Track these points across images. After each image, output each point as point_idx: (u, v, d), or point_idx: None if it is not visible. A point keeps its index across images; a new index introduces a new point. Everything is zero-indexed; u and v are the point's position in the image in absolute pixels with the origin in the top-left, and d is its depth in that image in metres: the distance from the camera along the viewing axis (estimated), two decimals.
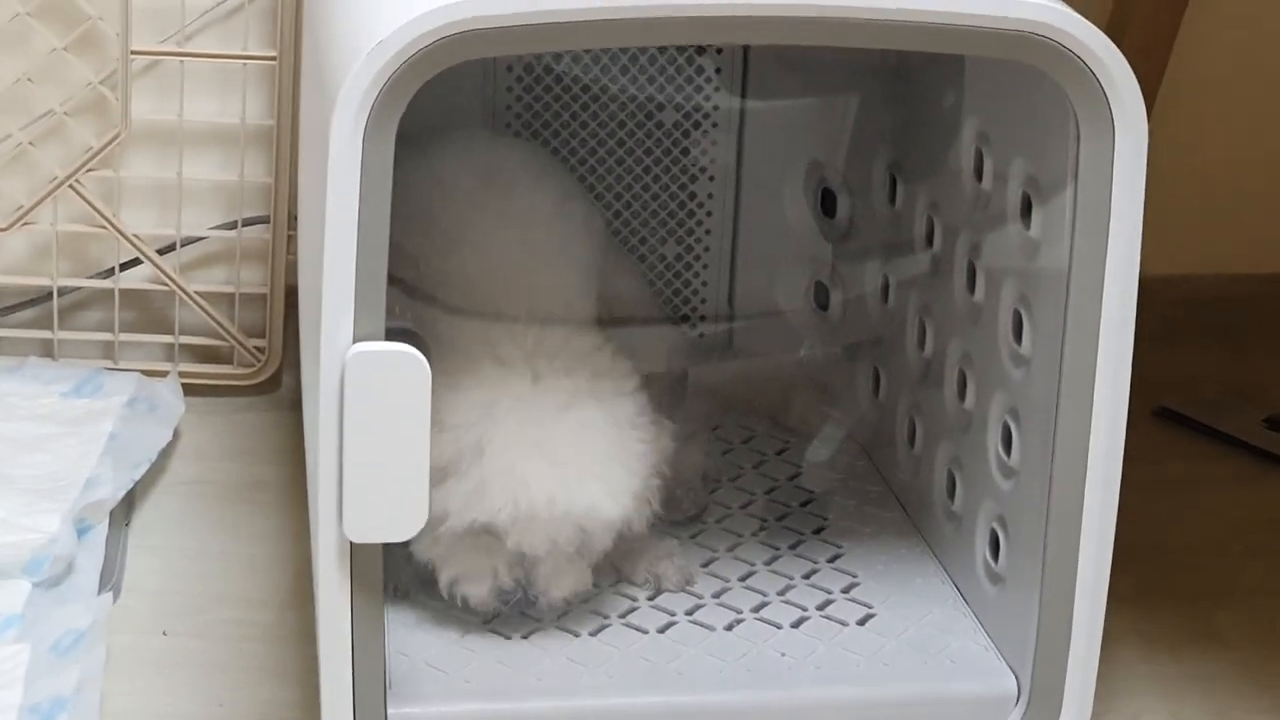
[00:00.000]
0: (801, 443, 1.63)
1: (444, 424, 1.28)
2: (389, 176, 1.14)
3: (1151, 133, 1.21)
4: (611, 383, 1.35)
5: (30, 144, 1.77)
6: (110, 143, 1.75)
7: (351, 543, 1.19)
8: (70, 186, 1.76)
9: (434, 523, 1.25)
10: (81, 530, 1.51)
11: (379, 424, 1.15)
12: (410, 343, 1.16)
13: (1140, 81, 1.19)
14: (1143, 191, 1.21)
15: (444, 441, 1.28)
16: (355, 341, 1.15)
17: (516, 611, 1.35)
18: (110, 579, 1.50)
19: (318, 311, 1.17)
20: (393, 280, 1.18)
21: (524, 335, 1.34)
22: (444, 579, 1.33)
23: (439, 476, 1.27)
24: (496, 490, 1.28)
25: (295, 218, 1.77)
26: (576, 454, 1.30)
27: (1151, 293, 1.31)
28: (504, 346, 1.34)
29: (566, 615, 1.37)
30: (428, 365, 1.15)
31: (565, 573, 1.34)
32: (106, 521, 1.54)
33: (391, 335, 1.16)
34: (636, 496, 1.33)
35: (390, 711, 1.25)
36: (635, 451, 1.33)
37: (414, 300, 1.36)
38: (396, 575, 1.37)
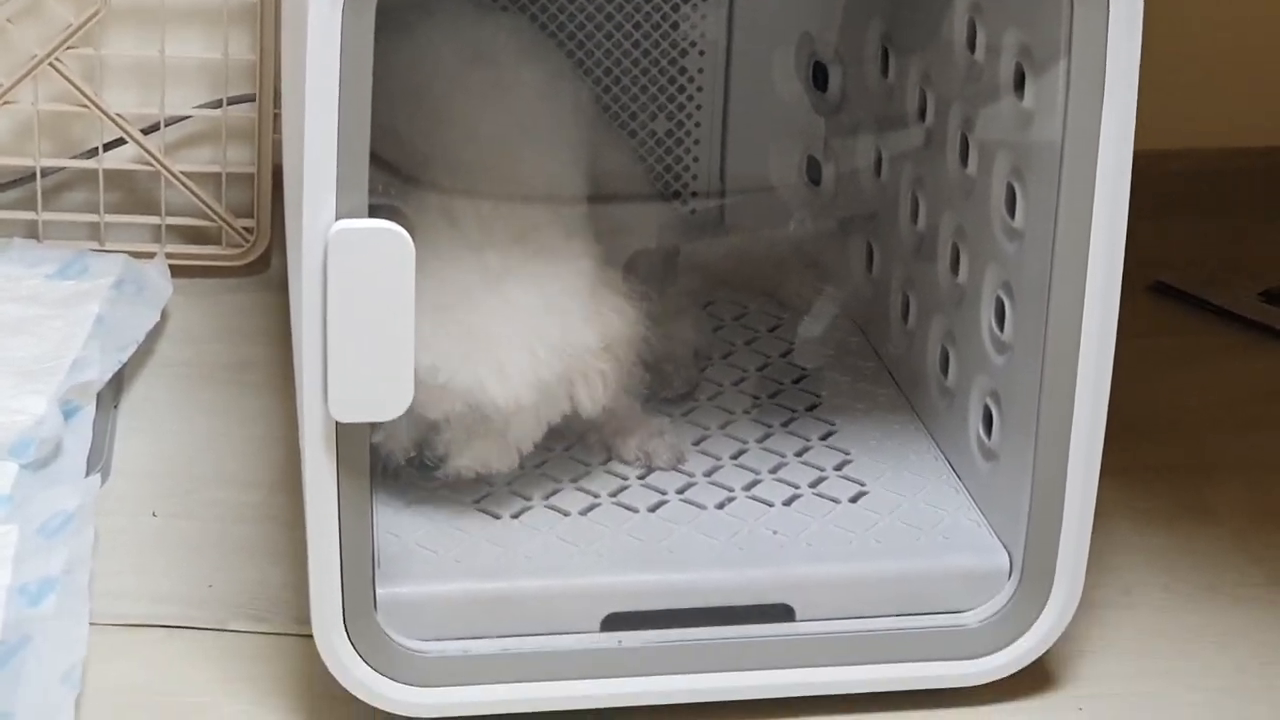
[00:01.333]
0: (794, 319, 1.62)
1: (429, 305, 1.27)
2: (369, 51, 1.13)
3: (1146, 5, 1.19)
4: (559, 267, 1.32)
5: (9, 21, 1.75)
6: (90, 19, 1.73)
7: (337, 422, 1.18)
8: (50, 64, 1.74)
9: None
10: (68, 412, 1.51)
11: (363, 302, 1.15)
12: (394, 220, 1.15)
13: None
14: (1137, 61, 1.20)
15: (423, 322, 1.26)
16: (338, 219, 1.14)
17: (418, 471, 1.33)
18: (98, 461, 1.50)
19: (300, 190, 1.16)
20: (378, 160, 1.17)
21: (500, 208, 1.33)
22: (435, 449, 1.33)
23: (431, 368, 1.27)
24: (423, 327, 1.24)
25: (281, 96, 1.75)
26: (493, 335, 1.28)
27: (1147, 167, 1.30)
28: (470, 215, 1.32)
29: (556, 494, 1.37)
30: (411, 242, 1.14)
31: (468, 445, 1.32)
32: (94, 403, 1.53)
33: (375, 212, 1.15)
34: (540, 386, 1.31)
35: (379, 591, 1.24)
36: (552, 341, 1.31)
37: (400, 179, 1.34)
38: (387, 455, 1.37)
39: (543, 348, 1.30)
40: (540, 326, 1.30)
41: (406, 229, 1.15)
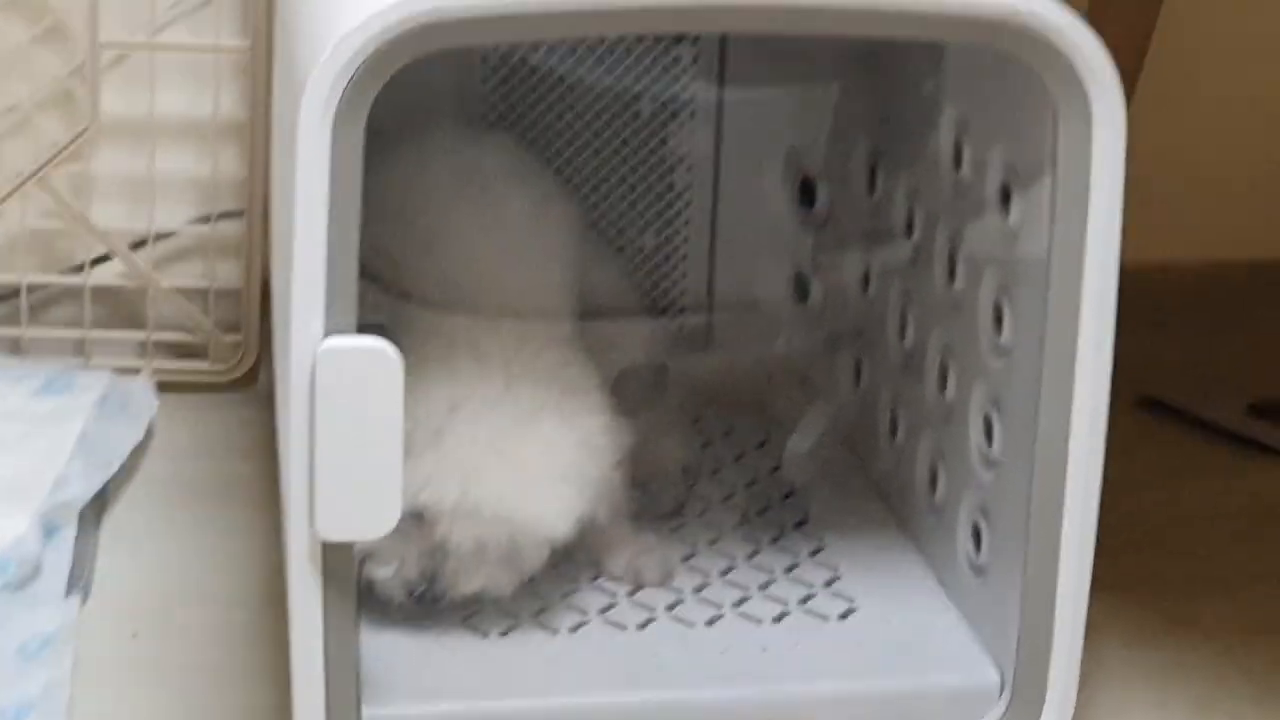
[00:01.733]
0: (782, 435, 1.61)
1: (408, 410, 1.26)
2: (359, 168, 1.13)
3: (1132, 118, 1.20)
4: (580, 400, 1.33)
5: None
6: (79, 137, 1.74)
7: (323, 541, 1.17)
8: (39, 181, 1.74)
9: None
10: (50, 531, 1.50)
11: (351, 420, 1.14)
12: (383, 338, 1.14)
13: (1120, 68, 1.18)
14: (1122, 179, 1.20)
15: (404, 427, 1.26)
16: (326, 336, 1.14)
17: (417, 603, 1.32)
18: (79, 580, 1.49)
19: (288, 306, 1.16)
20: (369, 278, 1.17)
21: (506, 335, 1.33)
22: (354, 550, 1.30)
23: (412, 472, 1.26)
24: (450, 476, 1.27)
25: (270, 213, 1.76)
26: (535, 465, 1.29)
27: (1133, 280, 1.30)
28: (484, 342, 1.32)
29: (544, 611, 1.36)
30: (400, 360, 1.14)
31: (479, 572, 1.32)
32: (75, 522, 1.52)
33: (364, 330, 1.15)
34: (580, 520, 1.32)
35: (365, 712, 1.23)
36: (593, 473, 1.32)
37: (391, 298, 1.34)
38: (389, 593, 1.35)
39: (580, 480, 1.31)
40: (579, 464, 1.31)
41: (396, 346, 1.14)
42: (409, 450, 1.26)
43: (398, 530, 1.27)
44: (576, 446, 1.31)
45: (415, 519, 1.29)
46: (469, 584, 1.32)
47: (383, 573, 1.31)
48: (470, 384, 1.30)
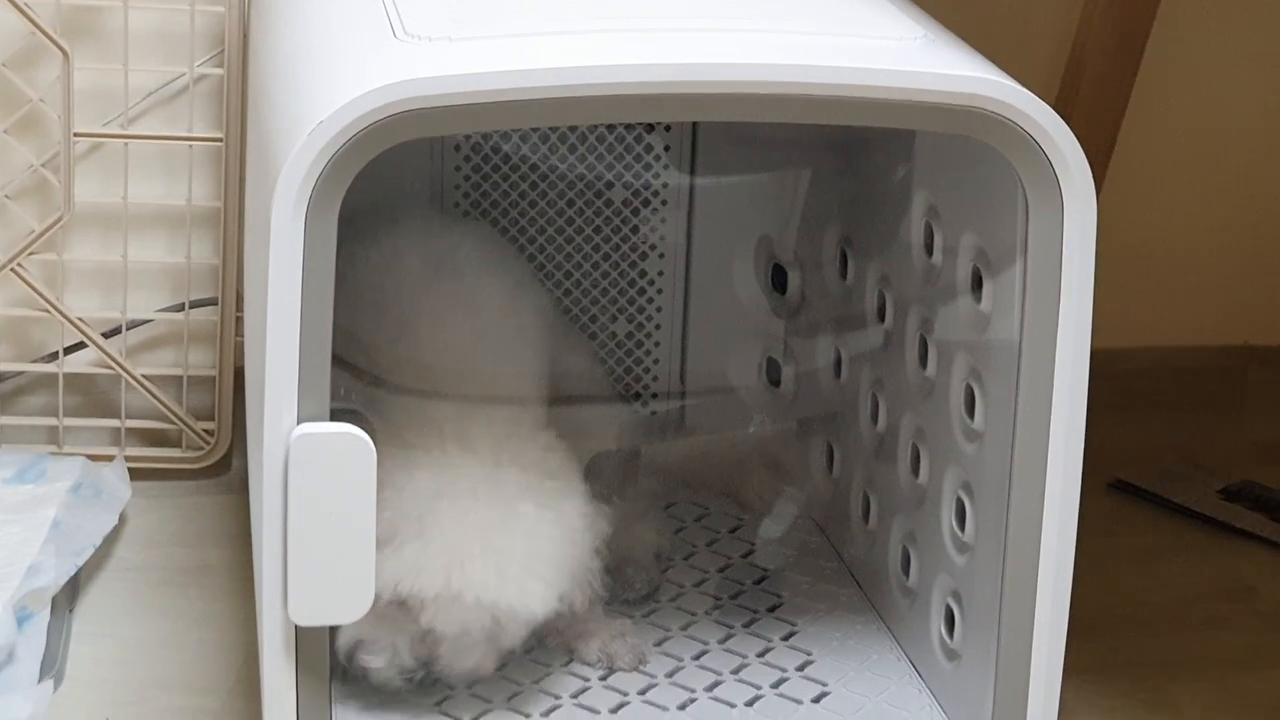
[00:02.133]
0: (755, 519, 1.62)
1: (389, 498, 1.27)
2: (332, 257, 1.14)
3: (1102, 206, 1.21)
4: (560, 484, 1.34)
5: None
6: (53, 226, 1.74)
7: (297, 626, 1.17)
8: (12, 270, 1.75)
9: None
10: (22, 618, 1.49)
11: (324, 506, 1.14)
12: (355, 424, 1.15)
13: (1089, 155, 1.20)
14: (1093, 264, 1.21)
15: (384, 515, 1.25)
16: (299, 423, 1.14)
17: (419, 687, 1.33)
18: (52, 667, 1.48)
19: (262, 393, 1.16)
20: (343, 366, 1.17)
21: (492, 421, 1.34)
22: (344, 640, 1.30)
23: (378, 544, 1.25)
24: (434, 566, 1.27)
25: (243, 299, 1.76)
26: (516, 554, 1.29)
27: (1105, 364, 1.31)
28: (470, 429, 1.32)
29: (517, 696, 1.36)
30: (373, 446, 1.14)
31: (470, 654, 1.32)
32: (48, 609, 1.52)
33: (336, 416, 1.15)
34: (563, 599, 1.33)
35: None
36: (572, 558, 1.33)
37: (364, 385, 1.35)
38: (384, 681, 1.35)
39: (558, 567, 1.32)
40: (561, 548, 1.32)
41: (368, 432, 1.15)
42: (391, 538, 1.26)
43: (385, 619, 1.28)
44: (557, 534, 1.32)
45: (400, 607, 1.28)
46: (463, 663, 1.32)
47: (376, 662, 1.31)
48: (456, 470, 1.30)
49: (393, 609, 1.28)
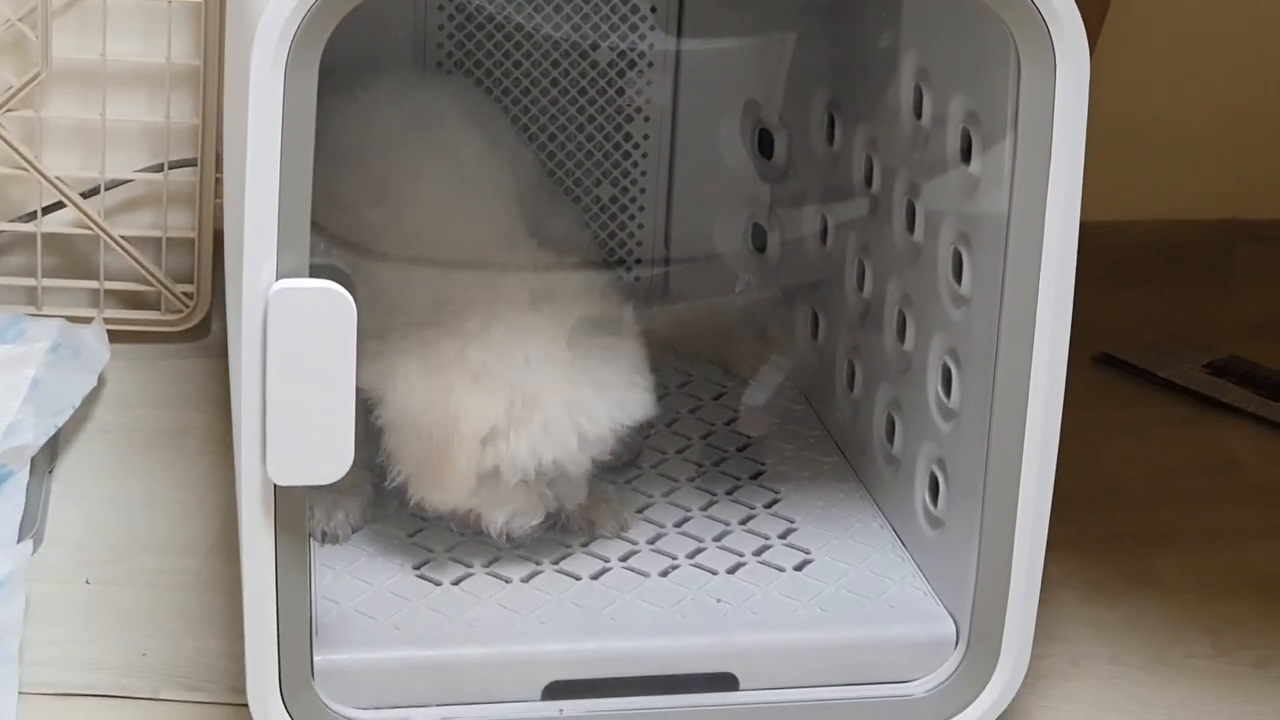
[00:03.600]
0: (739, 387, 1.61)
1: (489, 388, 1.28)
2: (312, 110, 1.12)
3: (1093, 77, 1.19)
4: (605, 301, 1.36)
5: None
6: (30, 82, 1.72)
7: (276, 485, 1.16)
8: None
9: (492, 477, 1.29)
10: (1, 477, 1.49)
11: (303, 363, 1.13)
12: (335, 280, 1.13)
13: (1083, 18, 1.17)
14: (1084, 126, 1.20)
15: (495, 408, 1.28)
16: (278, 279, 1.13)
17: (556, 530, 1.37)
18: (31, 527, 1.48)
19: (241, 249, 1.15)
20: (324, 228, 1.16)
21: (512, 277, 1.34)
22: (497, 522, 1.32)
23: (492, 435, 1.28)
24: (563, 427, 1.29)
25: (223, 160, 1.74)
26: (614, 370, 1.32)
27: (1092, 238, 1.29)
28: (503, 294, 1.32)
29: (497, 561, 1.35)
30: (352, 302, 1.13)
31: (580, 483, 1.35)
32: (28, 469, 1.51)
33: (316, 272, 1.14)
34: (655, 390, 1.36)
35: (316, 658, 1.22)
36: (644, 354, 1.36)
37: (345, 246, 1.33)
38: (325, 520, 1.35)
39: (644, 362, 1.36)
40: (635, 350, 1.36)
41: (348, 289, 1.13)
42: (512, 421, 1.29)
43: (517, 489, 1.31)
44: (622, 339, 1.35)
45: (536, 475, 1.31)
46: (577, 497, 1.36)
47: (535, 522, 1.34)
48: (526, 333, 1.30)
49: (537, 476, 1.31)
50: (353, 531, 1.37)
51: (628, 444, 1.49)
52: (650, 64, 1.66)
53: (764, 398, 1.59)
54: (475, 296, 1.31)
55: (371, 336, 1.22)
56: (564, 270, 1.37)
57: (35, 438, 1.54)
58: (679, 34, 1.65)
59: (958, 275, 1.31)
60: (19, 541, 1.44)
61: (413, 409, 1.27)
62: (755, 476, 1.49)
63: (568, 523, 1.36)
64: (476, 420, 1.27)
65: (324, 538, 1.35)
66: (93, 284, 1.80)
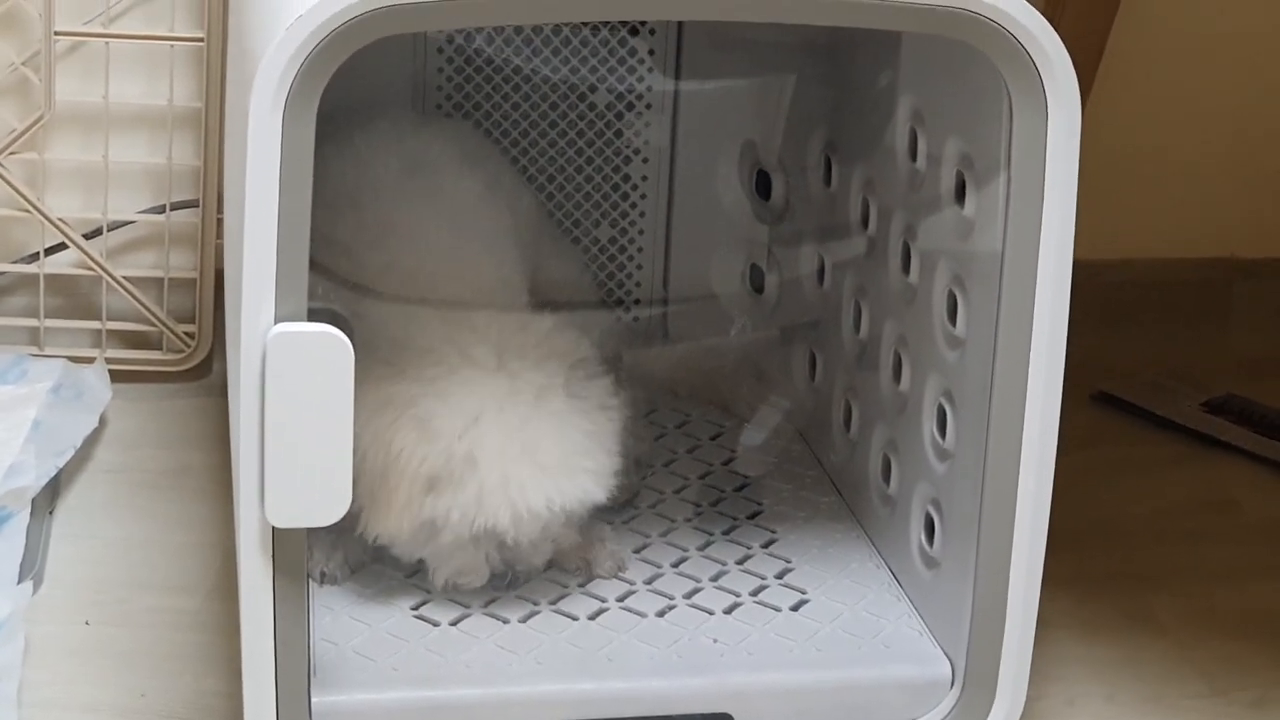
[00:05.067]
0: (736, 427, 1.62)
1: (433, 433, 1.28)
2: (310, 154, 1.13)
3: (1089, 116, 1.20)
4: (579, 369, 1.35)
5: None
6: (34, 125, 1.73)
7: (274, 528, 1.17)
8: None
9: (431, 529, 1.29)
10: (1, 518, 1.49)
11: (301, 406, 1.14)
12: (333, 324, 1.14)
13: (1077, 64, 1.19)
14: (1076, 170, 1.20)
15: (435, 452, 1.28)
16: (277, 322, 1.13)
17: (503, 586, 1.36)
18: (31, 568, 1.48)
19: (240, 292, 1.15)
20: (323, 271, 1.16)
21: (488, 330, 1.33)
22: (441, 577, 1.34)
23: (430, 484, 1.28)
24: (497, 499, 1.29)
25: (224, 202, 1.75)
26: (562, 451, 1.30)
27: (1090, 277, 1.30)
28: (474, 347, 1.32)
29: (495, 602, 1.36)
30: (350, 346, 1.13)
31: (542, 545, 1.35)
32: (28, 509, 1.52)
33: (314, 316, 1.15)
34: (616, 473, 1.34)
35: (314, 699, 1.23)
36: (610, 431, 1.34)
37: (343, 289, 1.34)
38: (324, 562, 1.36)
39: (609, 441, 1.34)
40: (597, 427, 1.34)
41: (346, 333, 1.14)
42: (448, 477, 1.29)
43: (466, 546, 1.32)
44: (588, 415, 1.33)
45: (486, 534, 1.31)
46: (540, 557, 1.36)
47: (478, 582, 1.34)
48: (479, 391, 1.30)
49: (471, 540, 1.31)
50: (351, 572, 1.37)
51: (625, 483, 1.50)
52: (648, 106, 1.67)
53: (761, 438, 1.59)
54: (450, 342, 1.32)
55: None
56: (552, 325, 1.36)
57: (36, 479, 1.54)
58: (677, 76, 1.66)
59: (953, 317, 1.31)
60: (19, 582, 1.44)
61: (363, 442, 1.27)
62: (752, 516, 1.50)
63: (517, 580, 1.36)
64: (415, 460, 1.28)
65: (322, 578, 1.36)
66: (95, 324, 1.81)
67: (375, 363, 1.29)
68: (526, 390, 1.31)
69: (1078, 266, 1.23)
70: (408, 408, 1.28)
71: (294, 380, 1.13)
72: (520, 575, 1.36)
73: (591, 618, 1.36)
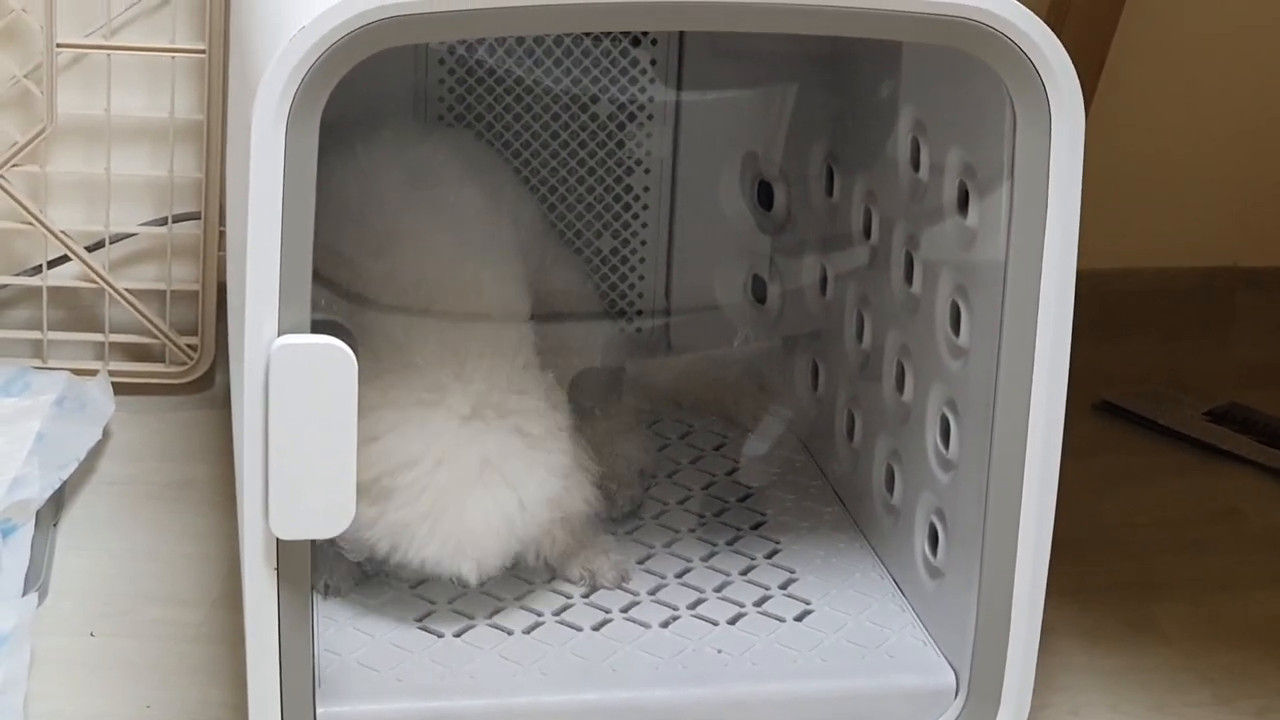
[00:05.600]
0: (740, 437, 1.62)
1: (371, 451, 1.28)
2: (313, 166, 1.13)
3: (1091, 125, 1.20)
4: (535, 404, 1.34)
5: None
6: (36, 138, 1.73)
7: (278, 539, 1.17)
8: None
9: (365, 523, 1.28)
10: (6, 530, 1.49)
11: (305, 417, 1.14)
12: (337, 336, 1.14)
13: (1079, 74, 1.19)
14: (1080, 180, 1.20)
15: (374, 455, 1.27)
16: (280, 334, 1.14)
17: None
18: (36, 580, 1.48)
19: (243, 304, 1.15)
20: (326, 282, 1.16)
21: (466, 340, 1.33)
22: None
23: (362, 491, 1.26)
24: (440, 533, 1.29)
25: (226, 213, 1.75)
26: (502, 486, 1.30)
27: (1092, 286, 1.30)
28: (445, 347, 1.32)
29: (499, 613, 1.36)
30: (354, 358, 1.13)
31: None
32: (33, 522, 1.52)
33: (317, 328, 1.15)
34: (550, 503, 1.33)
35: (319, 710, 1.23)
36: (552, 465, 1.33)
37: (347, 302, 1.34)
38: (328, 573, 1.36)
39: (548, 475, 1.33)
40: (535, 461, 1.33)
41: (350, 345, 1.14)
42: (387, 493, 1.29)
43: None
44: (529, 451, 1.32)
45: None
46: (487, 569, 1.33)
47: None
48: (427, 423, 1.30)
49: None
50: (355, 584, 1.37)
51: (628, 494, 1.51)
52: (650, 116, 1.67)
53: (764, 448, 1.59)
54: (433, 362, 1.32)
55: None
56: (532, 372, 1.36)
57: (40, 491, 1.54)
58: (679, 87, 1.66)
59: (955, 326, 1.31)
60: (24, 595, 1.44)
61: None
62: (756, 527, 1.50)
63: (567, 575, 1.38)
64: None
65: (326, 590, 1.36)
66: (98, 337, 1.81)
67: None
68: (490, 443, 1.31)
69: (1080, 275, 1.23)
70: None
71: (298, 392, 1.13)
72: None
73: (595, 628, 1.36)
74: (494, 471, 1.30)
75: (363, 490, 1.24)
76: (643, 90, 1.66)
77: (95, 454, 1.66)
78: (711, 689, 1.30)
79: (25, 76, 1.73)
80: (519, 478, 1.31)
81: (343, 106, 1.16)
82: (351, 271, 1.37)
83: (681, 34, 1.63)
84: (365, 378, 1.15)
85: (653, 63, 1.65)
